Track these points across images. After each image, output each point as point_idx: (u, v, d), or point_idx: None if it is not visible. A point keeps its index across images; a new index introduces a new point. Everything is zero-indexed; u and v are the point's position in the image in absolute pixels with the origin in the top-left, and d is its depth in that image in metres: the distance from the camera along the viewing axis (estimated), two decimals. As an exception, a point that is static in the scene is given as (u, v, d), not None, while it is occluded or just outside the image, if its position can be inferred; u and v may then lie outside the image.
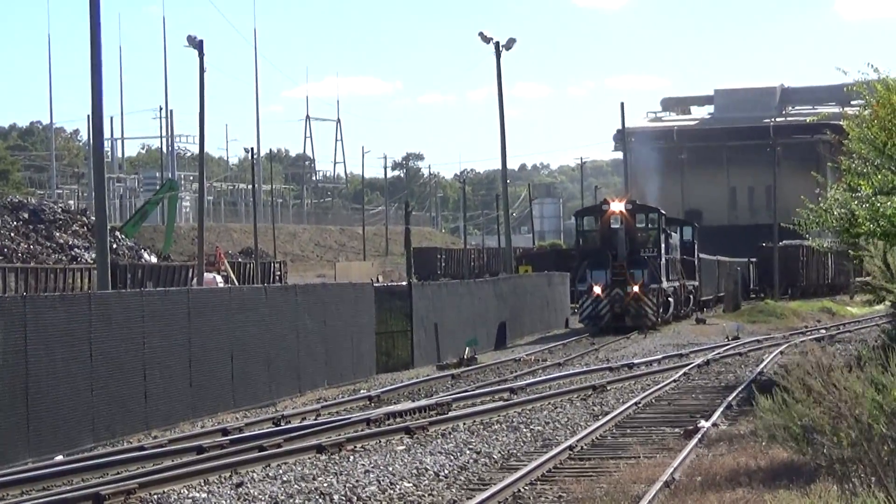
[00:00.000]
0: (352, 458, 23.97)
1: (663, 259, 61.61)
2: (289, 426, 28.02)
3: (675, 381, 36.21)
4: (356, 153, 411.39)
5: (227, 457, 23.58)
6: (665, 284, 61.85)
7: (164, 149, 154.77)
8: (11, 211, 72.94)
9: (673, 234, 66.29)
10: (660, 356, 44.90)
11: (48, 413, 26.21)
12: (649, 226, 61.92)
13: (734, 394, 31.53)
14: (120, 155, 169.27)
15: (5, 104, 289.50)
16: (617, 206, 60.74)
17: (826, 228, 34.03)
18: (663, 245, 61.79)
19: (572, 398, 32.87)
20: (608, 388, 34.87)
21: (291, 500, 19.91)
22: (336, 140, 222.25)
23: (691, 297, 70.35)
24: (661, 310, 60.96)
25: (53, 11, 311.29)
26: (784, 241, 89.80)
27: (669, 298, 63.26)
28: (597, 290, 59.10)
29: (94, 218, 54.21)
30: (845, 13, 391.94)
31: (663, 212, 63.85)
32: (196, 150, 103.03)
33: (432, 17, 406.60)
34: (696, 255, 71.64)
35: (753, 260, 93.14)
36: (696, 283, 71.56)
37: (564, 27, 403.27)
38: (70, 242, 70.89)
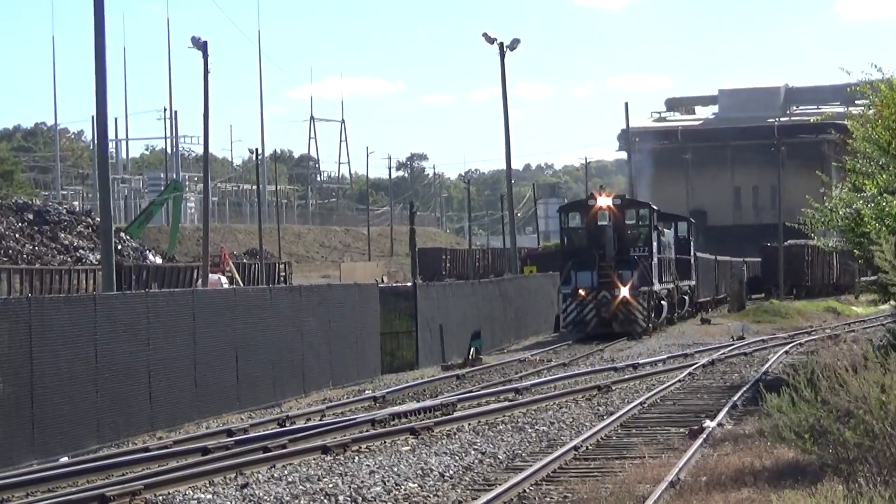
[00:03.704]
0: (357, 458, 23.97)
1: (655, 259, 57.10)
2: (294, 427, 28.01)
3: (680, 381, 36.19)
4: (360, 153, 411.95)
5: (232, 458, 23.59)
6: (657, 286, 57.63)
7: (169, 149, 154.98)
8: (16, 212, 72.99)
9: (666, 231, 61.90)
10: (664, 356, 44.87)
11: (53, 414, 26.22)
12: (640, 222, 57.20)
13: (739, 393, 31.51)
14: (124, 156, 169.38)
15: (10, 105, 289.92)
16: (604, 201, 56.36)
17: (831, 228, 34.03)
18: (655, 243, 57.28)
19: (577, 398, 32.86)
20: (613, 388, 34.84)
21: (296, 501, 19.91)
22: (340, 140, 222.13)
23: (686, 298, 66.40)
24: (652, 314, 56.99)
25: (57, 13, 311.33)
26: (789, 241, 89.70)
27: (662, 301, 59.11)
28: (582, 292, 55.08)
29: (98, 219, 54.25)
30: (845, 13, 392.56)
31: (655, 207, 59.38)
32: (200, 150, 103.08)
33: (433, 17, 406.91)
34: (692, 254, 67.95)
35: (749, 260, 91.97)
36: (693, 283, 67.86)
37: (565, 27, 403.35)
38: (75, 243, 70.93)
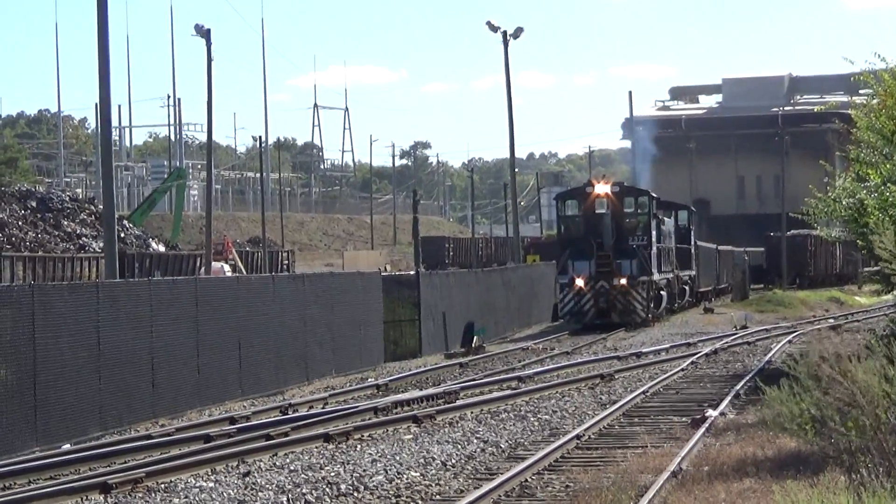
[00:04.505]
0: (359, 446, 23.97)
1: (654, 248, 56.07)
2: (296, 415, 28.03)
3: (682, 370, 36.21)
4: (363, 142, 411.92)
5: (234, 445, 23.60)
6: (656, 276, 56.58)
7: (172, 137, 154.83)
8: (19, 199, 72.94)
9: (666, 219, 60.93)
10: (667, 345, 44.88)
11: (56, 402, 26.22)
12: (639, 210, 56.06)
13: (742, 383, 31.52)
14: (128, 143, 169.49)
15: (13, 92, 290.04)
16: (602, 189, 55.28)
17: (834, 218, 34.03)
18: (654, 232, 56.22)
19: (580, 387, 32.87)
20: (616, 376, 34.86)
21: (298, 489, 19.91)
22: (344, 129, 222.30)
23: (687, 288, 65.38)
24: (651, 304, 55.94)
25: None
26: (792, 231, 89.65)
27: (661, 291, 58.06)
28: (579, 282, 54.11)
29: (101, 206, 54.23)
30: (848, 2, 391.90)
31: (654, 195, 58.47)
32: (204, 138, 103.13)
33: (436, 5, 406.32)
34: (692, 243, 67.01)
35: (752, 250, 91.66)
36: (693, 273, 66.90)
37: (568, 15, 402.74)
38: (78, 231, 70.90)
